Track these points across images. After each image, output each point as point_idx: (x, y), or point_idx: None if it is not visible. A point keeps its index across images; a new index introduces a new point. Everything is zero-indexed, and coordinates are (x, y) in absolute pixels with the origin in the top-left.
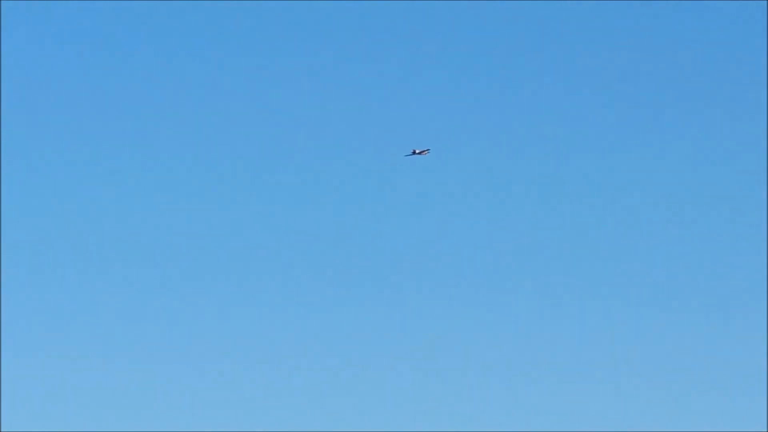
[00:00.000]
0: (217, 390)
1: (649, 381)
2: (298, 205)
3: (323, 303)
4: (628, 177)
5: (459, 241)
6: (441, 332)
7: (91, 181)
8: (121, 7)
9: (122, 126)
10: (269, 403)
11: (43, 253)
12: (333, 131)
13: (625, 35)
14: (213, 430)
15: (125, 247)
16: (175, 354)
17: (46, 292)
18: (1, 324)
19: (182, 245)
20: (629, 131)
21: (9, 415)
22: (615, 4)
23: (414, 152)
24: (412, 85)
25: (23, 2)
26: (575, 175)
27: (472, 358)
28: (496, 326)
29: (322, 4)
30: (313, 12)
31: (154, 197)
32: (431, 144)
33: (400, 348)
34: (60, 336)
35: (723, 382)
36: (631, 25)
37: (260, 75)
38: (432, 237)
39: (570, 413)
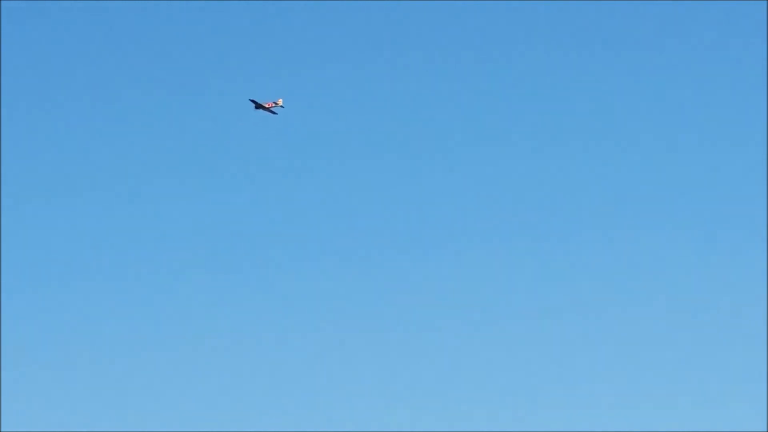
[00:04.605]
0: (216, 390)
1: (649, 381)
2: (297, 204)
3: (322, 303)
4: (628, 177)
5: (458, 241)
6: (441, 332)
7: (91, 180)
8: (121, 7)
9: (122, 125)
10: (268, 403)
11: (43, 254)
12: (332, 131)
13: (626, 35)
14: (213, 430)
15: (125, 246)
16: (174, 354)
17: (46, 293)
18: (1, 324)
19: (181, 245)
20: (629, 131)
21: (9, 415)
22: (616, 4)
23: (257, 105)
24: (411, 86)
25: (23, 2)
26: (575, 174)
27: (471, 358)
28: (495, 326)
29: (323, 4)
30: (312, 12)
31: (154, 197)
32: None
33: (399, 348)
34: (60, 336)
35: (723, 382)
36: (631, 25)
37: (259, 75)
38: (431, 237)
39: (570, 413)
